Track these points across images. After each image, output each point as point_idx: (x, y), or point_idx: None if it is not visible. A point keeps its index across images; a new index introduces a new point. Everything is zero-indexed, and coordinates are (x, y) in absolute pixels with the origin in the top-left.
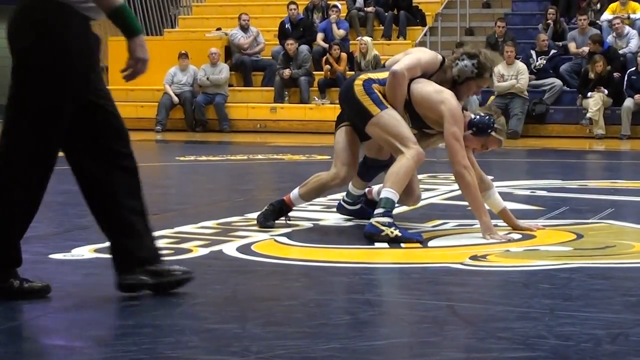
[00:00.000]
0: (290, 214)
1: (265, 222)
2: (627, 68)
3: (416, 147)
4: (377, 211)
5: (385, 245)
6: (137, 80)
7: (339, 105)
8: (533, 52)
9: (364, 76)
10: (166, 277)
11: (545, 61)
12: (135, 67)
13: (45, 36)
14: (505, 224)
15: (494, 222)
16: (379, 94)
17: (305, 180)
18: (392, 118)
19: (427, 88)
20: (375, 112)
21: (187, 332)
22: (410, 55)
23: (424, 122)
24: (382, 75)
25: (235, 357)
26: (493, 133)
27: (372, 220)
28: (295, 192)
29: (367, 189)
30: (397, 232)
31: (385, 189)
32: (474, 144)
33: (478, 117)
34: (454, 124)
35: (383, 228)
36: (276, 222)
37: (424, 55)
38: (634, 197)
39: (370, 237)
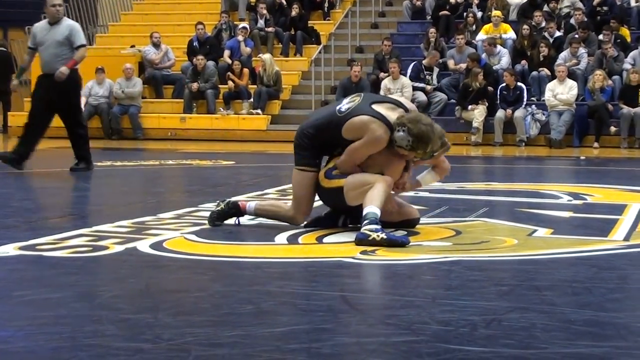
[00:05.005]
0: (198, 214)
1: (214, 222)
2: (499, 83)
3: (382, 177)
4: (364, 223)
5: (285, 242)
6: None
7: (252, 116)
8: (424, 68)
9: (323, 170)
10: None
11: (435, 78)
12: None
13: None
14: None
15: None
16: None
17: (216, 185)
18: (354, 179)
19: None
20: (342, 184)
21: (104, 321)
22: (368, 143)
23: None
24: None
25: (148, 344)
26: None
27: (362, 229)
28: (251, 205)
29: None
30: (382, 235)
31: (366, 208)
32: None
33: None
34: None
35: (370, 233)
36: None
37: (381, 136)
38: (505, 197)
39: (360, 242)
